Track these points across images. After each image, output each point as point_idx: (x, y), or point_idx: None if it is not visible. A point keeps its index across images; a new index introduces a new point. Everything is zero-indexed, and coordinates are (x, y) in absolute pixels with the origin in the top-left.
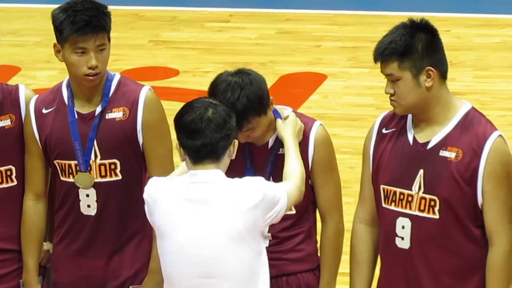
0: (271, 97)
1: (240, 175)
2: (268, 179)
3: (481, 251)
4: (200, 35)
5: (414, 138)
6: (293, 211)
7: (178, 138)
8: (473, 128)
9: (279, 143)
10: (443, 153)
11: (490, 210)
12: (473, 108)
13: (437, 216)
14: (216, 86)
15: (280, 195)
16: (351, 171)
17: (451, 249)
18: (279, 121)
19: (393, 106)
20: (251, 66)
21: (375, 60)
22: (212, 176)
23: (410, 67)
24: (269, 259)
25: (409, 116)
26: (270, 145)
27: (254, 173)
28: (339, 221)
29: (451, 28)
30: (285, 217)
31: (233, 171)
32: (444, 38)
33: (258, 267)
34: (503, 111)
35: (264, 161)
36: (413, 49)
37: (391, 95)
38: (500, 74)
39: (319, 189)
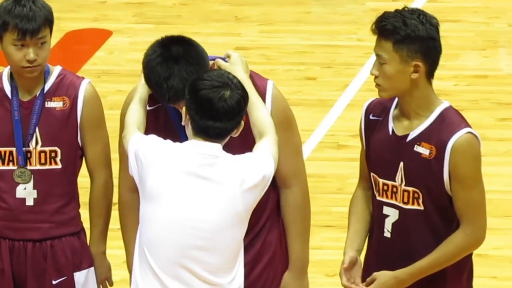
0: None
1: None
2: (34, 131)
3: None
4: None
5: None
6: (59, 165)
7: (188, 106)
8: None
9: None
10: None
11: (283, 157)
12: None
13: None
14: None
15: (271, 170)
16: None
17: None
18: (221, 62)
19: None
20: None
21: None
22: (216, 150)
23: None
24: (33, 221)
25: None
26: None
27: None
28: (108, 177)
29: None
30: None
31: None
32: None
33: (242, 242)
34: (289, 66)
35: (30, 114)
36: None
37: None
38: (285, 28)
39: (88, 146)
